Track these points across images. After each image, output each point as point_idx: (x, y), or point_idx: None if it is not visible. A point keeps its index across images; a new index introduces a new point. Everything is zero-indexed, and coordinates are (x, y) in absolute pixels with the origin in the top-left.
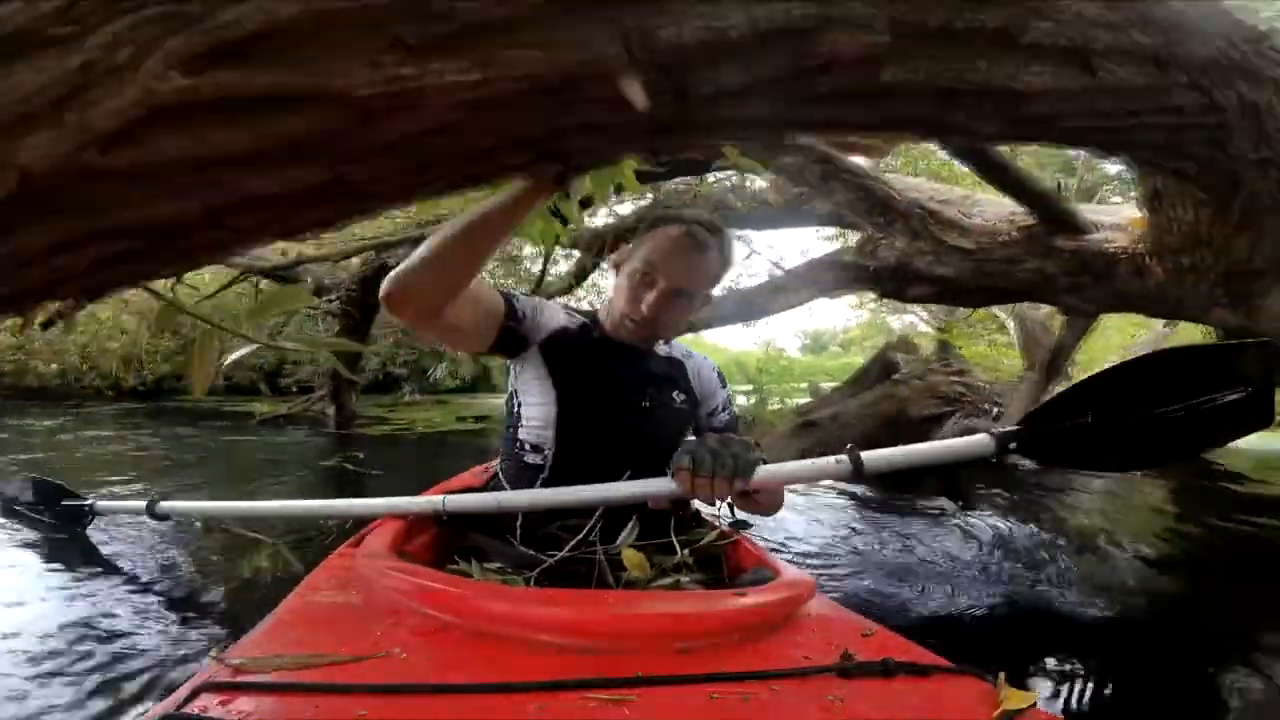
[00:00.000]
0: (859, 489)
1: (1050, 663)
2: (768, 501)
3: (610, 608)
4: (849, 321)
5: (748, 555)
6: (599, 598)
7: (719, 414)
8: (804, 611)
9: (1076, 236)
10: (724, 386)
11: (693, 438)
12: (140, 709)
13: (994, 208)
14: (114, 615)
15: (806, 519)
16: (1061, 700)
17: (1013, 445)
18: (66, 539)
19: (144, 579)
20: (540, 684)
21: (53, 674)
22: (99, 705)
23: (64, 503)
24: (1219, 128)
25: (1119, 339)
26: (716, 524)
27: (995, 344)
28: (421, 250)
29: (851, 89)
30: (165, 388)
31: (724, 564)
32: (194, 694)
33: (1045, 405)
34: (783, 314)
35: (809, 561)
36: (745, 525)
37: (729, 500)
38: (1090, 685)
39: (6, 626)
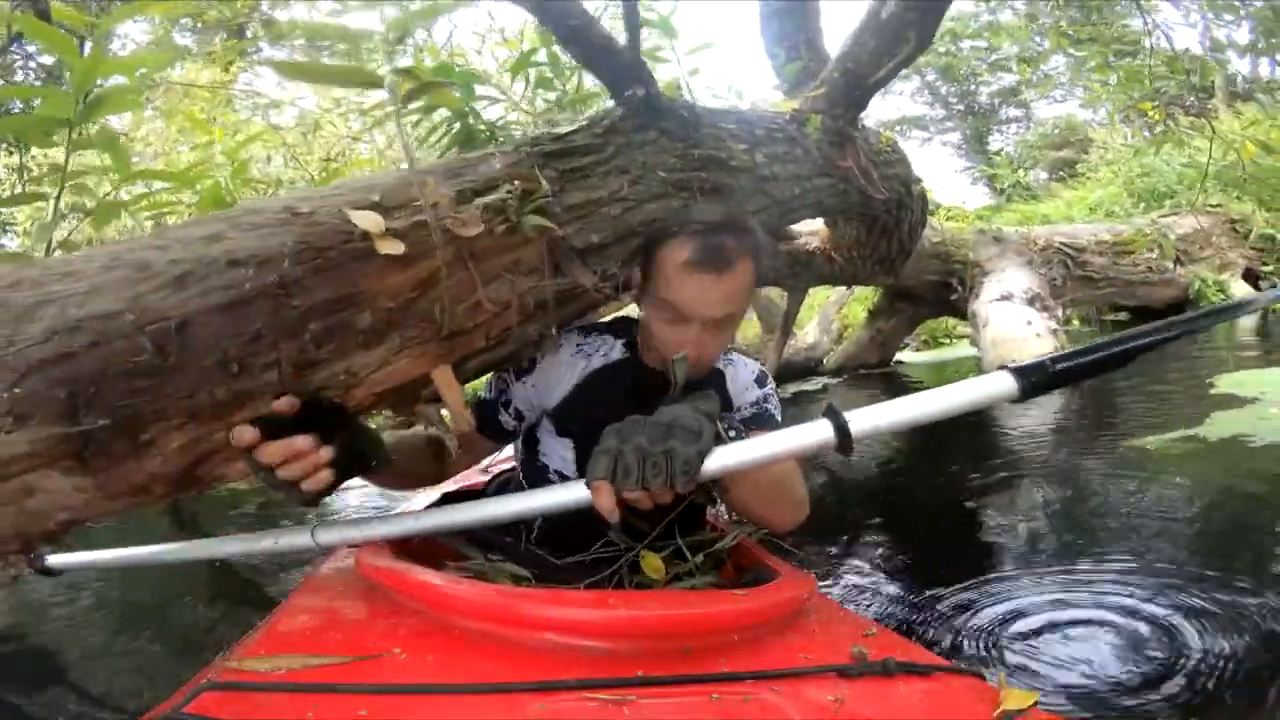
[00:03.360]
0: None
1: (1048, 660)
2: (754, 497)
3: (611, 608)
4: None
5: (749, 555)
6: (600, 598)
7: (744, 409)
8: (804, 611)
9: (789, 241)
10: (761, 387)
11: (616, 425)
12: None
13: None
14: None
15: None
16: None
17: (1034, 379)
18: None
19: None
20: (540, 684)
21: (54, 678)
22: (100, 706)
23: None
24: (869, 202)
25: (819, 298)
26: (721, 526)
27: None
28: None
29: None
30: None
31: (726, 564)
32: (194, 694)
33: (1076, 353)
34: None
35: None
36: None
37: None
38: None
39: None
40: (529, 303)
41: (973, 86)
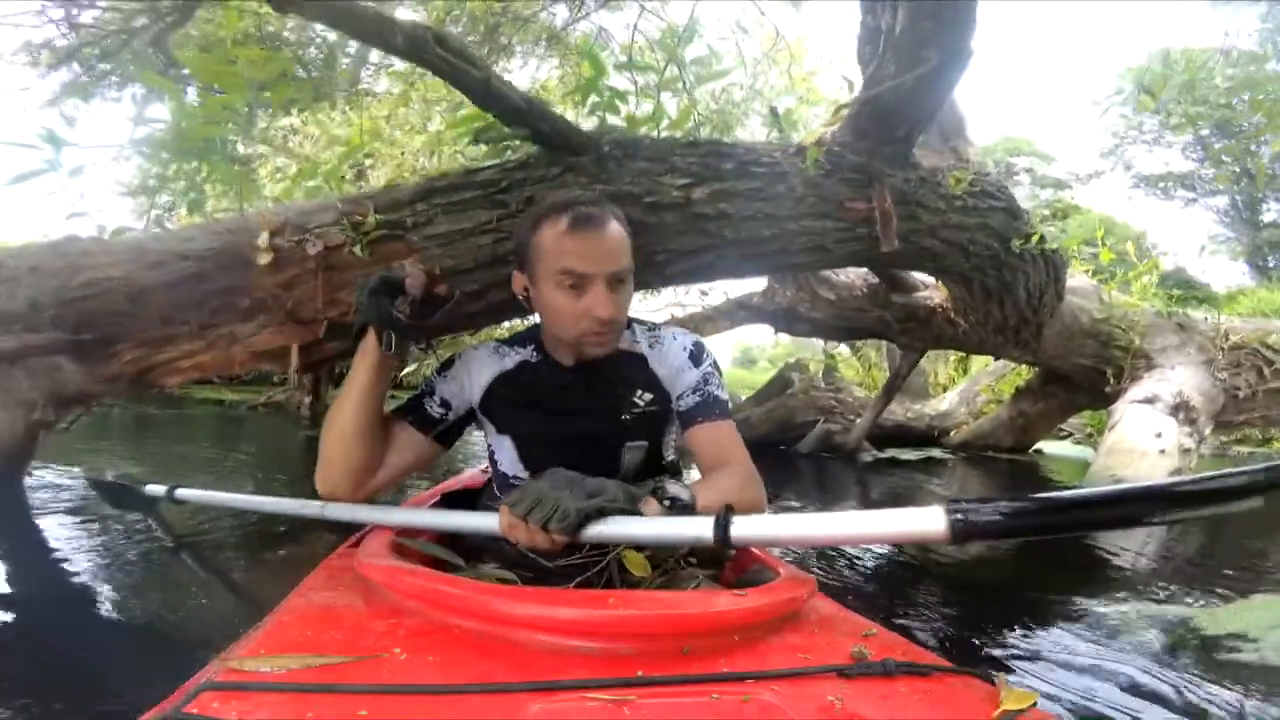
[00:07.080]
0: None
1: (1050, 662)
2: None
3: (610, 608)
4: (773, 341)
5: (748, 555)
6: (599, 598)
7: (686, 397)
8: (804, 611)
9: (907, 294)
10: (697, 365)
11: (551, 470)
12: (138, 709)
13: (853, 269)
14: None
15: None
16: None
17: (970, 520)
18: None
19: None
20: (540, 684)
21: (48, 670)
22: (97, 703)
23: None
24: (940, 257)
25: (977, 366)
26: None
27: (875, 366)
28: (323, 450)
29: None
30: None
31: (725, 563)
32: (194, 694)
33: (1048, 501)
34: (710, 337)
35: None
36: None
37: None
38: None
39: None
40: None
41: (1253, 145)
